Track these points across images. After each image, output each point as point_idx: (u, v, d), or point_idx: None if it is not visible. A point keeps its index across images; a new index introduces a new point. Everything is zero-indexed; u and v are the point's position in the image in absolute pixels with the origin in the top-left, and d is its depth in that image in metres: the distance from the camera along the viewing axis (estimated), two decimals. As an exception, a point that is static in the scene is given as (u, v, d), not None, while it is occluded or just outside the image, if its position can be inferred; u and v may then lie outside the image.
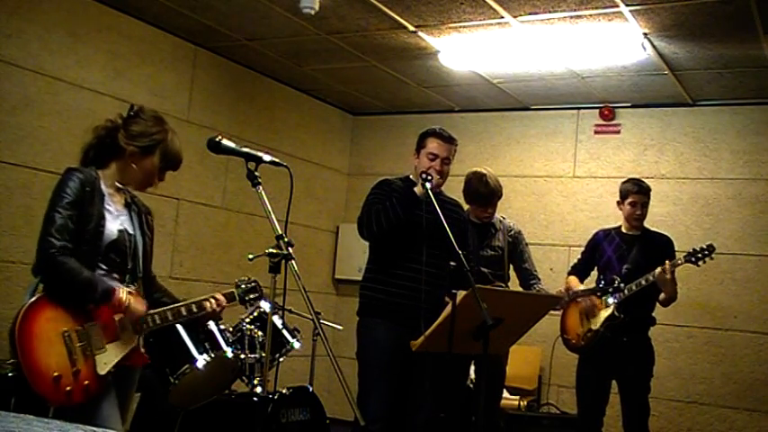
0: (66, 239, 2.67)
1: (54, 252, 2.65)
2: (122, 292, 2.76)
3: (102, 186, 2.82)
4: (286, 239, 2.71)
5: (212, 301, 3.01)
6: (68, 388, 2.60)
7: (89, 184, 2.76)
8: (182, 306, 2.96)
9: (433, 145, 3.98)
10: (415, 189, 3.86)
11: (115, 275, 2.82)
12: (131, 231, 2.88)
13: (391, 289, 3.89)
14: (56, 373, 2.58)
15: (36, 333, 2.60)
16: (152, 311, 2.86)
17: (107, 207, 2.80)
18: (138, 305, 2.80)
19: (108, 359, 2.72)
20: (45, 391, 2.57)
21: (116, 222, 2.82)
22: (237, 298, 3.15)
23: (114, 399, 2.78)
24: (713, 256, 4.52)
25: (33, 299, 2.67)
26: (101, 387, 2.70)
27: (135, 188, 2.96)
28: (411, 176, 4.12)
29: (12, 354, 2.61)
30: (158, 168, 2.91)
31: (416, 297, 3.84)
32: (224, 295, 3.10)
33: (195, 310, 2.97)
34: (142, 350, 2.89)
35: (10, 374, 3.54)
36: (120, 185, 2.90)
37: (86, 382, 2.65)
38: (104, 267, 2.78)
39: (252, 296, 3.20)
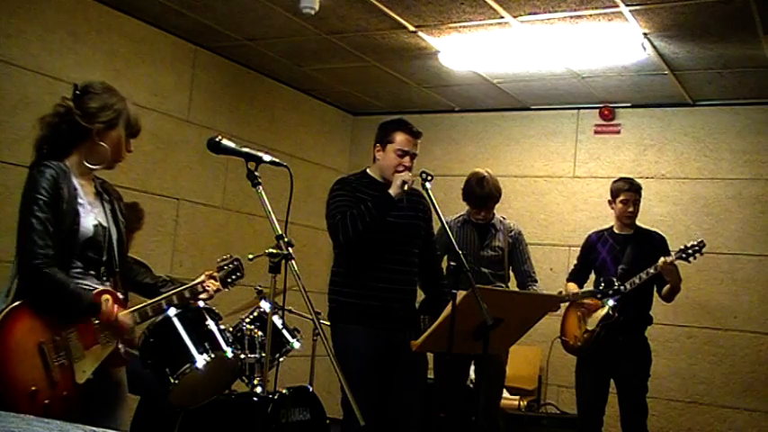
0: (48, 246, 2.54)
1: (39, 263, 2.52)
2: (108, 305, 2.63)
3: (73, 179, 2.67)
4: (286, 239, 2.69)
5: (201, 286, 2.94)
6: (46, 401, 2.49)
7: (61, 179, 2.61)
8: (172, 294, 2.87)
9: (401, 139, 3.74)
10: (390, 191, 3.65)
11: (92, 272, 2.69)
12: (105, 224, 2.74)
13: (367, 292, 3.74)
14: (33, 388, 2.47)
15: (12, 346, 2.47)
16: (141, 305, 2.76)
17: (80, 201, 2.66)
18: (126, 319, 2.68)
19: (87, 366, 2.60)
20: (21, 406, 2.41)
21: (90, 217, 2.68)
22: (219, 281, 3.06)
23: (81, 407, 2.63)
24: (703, 252, 4.55)
25: (11, 306, 2.52)
26: (80, 395, 2.59)
27: (106, 167, 2.78)
28: (368, 171, 3.90)
29: None
30: (124, 139, 2.76)
31: (392, 299, 3.74)
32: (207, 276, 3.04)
33: (188, 295, 2.90)
34: (122, 351, 2.75)
35: None
36: (91, 167, 2.74)
37: (65, 392, 2.54)
38: (80, 265, 2.66)
39: (234, 277, 3.12)
